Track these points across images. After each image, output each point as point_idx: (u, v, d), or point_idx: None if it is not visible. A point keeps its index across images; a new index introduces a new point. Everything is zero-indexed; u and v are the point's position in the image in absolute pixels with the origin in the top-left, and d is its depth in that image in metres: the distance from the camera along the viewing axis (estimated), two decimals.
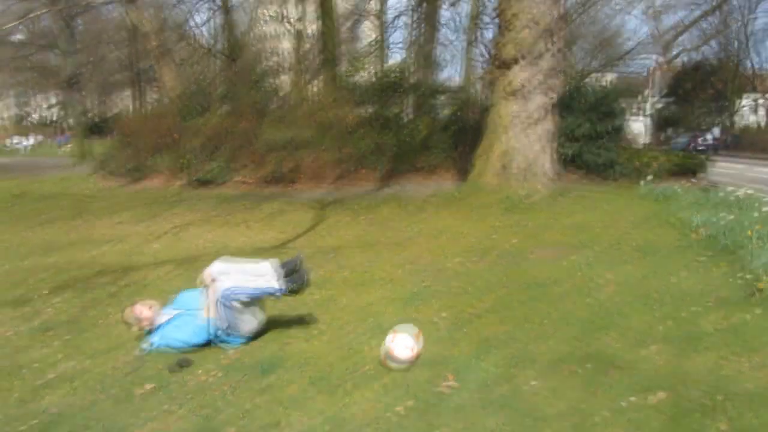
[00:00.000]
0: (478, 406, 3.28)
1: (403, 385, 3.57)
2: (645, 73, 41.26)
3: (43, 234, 9.61)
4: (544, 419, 3.11)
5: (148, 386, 3.69)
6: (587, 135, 14.96)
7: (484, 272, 6.35)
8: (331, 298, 5.50)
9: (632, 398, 3.30)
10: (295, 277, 4.34)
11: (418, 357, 3.85)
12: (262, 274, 4.30)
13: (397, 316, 4.89)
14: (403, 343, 3.82)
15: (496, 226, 9.14)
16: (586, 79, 17.18)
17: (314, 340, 4.34)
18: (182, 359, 4.01)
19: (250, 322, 4.29)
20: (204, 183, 15.33)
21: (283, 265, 4.38)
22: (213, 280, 4.24)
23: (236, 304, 4.17)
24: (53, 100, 63.01)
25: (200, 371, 3.89)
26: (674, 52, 39.48)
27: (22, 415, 3.36)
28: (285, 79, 20.88)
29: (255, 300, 4.29)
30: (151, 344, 4.31)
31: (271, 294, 4.32)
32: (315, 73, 19.97)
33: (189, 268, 6.89)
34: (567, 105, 14.93)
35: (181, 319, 4.34)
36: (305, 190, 14.32)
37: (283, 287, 4.30)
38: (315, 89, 19.90)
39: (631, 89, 35.73)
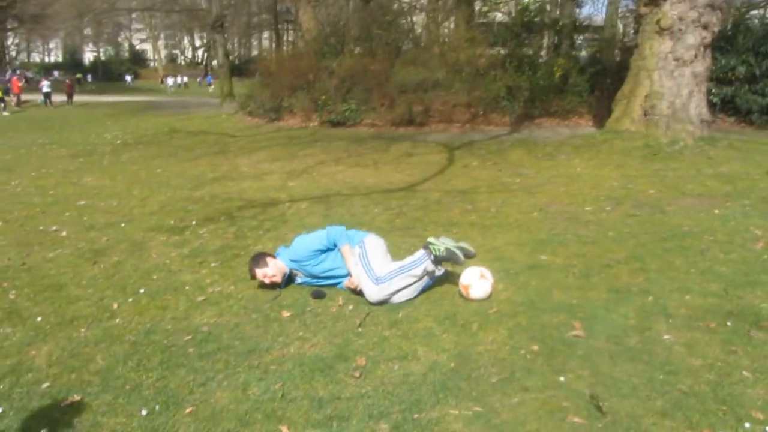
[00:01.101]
0: (607, 356, 3.22)
1: (530, 329, 3.58)
2: None
3: (192, 168, 10.39)
4: (677, 373, 3.00)
5: (286, 313, 3.97)
6: (744, 77, 13.63)
7: (618, 222, 6.11)
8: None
9: None
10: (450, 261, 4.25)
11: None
12: (422, 271, 4.17)
13: (525, 262, 4.87)
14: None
15: (634, 174, 8.68)
16: (749, 14, 15.44)
17: (441, 280, 4.42)
18: (317, 291, 4.27)
19: None
20: (337, 124, 15.75)
21: (439, 259, 4.20)
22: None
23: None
24: (200, 43, 66.78)
25: (332, 303, 4.12)
26: None
27: (180, 330, 3.76)
28: (419, 20, 20.63)
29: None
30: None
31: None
32: (449, 12, 19.53)
33: (323, 206, 7.24)
34: (722, 45, 13.66)
35: (322, 281, 4.46)
36: (434, 133, 14.29)
37: (441, 272, 4.29)
38: (449, 29, 19.50)
39: None
